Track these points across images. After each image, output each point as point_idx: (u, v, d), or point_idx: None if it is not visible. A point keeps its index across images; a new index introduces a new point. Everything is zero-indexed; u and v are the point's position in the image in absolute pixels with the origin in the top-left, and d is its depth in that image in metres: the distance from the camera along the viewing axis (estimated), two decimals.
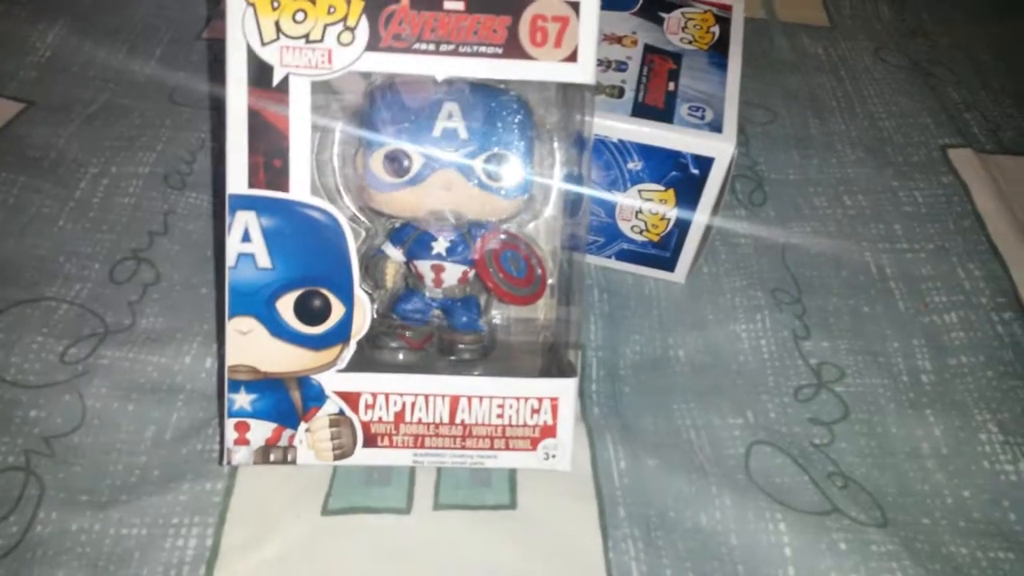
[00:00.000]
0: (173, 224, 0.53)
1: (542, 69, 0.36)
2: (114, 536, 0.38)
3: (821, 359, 0.49)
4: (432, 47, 0.35)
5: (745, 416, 0.46)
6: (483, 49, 0.35)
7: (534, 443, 0.39)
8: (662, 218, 0.50)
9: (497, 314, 0.44)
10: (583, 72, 0.36)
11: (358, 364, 0.38)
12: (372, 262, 0.41)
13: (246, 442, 0.38)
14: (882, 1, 0.79)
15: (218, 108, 0.35)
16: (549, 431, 0.39)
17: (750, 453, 0.44)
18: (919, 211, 0.58)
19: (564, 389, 0.38)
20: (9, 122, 0.57)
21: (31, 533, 0.38)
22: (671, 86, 0.49)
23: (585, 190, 0.40)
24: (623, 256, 0.53)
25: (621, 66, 0.50)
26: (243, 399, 0.37)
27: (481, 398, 0.38)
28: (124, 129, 0.58)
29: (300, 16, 0.35)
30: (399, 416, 0.38)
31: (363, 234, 0.42)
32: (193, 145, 0.57)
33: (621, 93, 0.49)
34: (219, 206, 0.36)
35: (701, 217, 0.49)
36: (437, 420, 0.38)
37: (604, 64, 0.50)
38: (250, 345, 0.37)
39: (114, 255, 0.50)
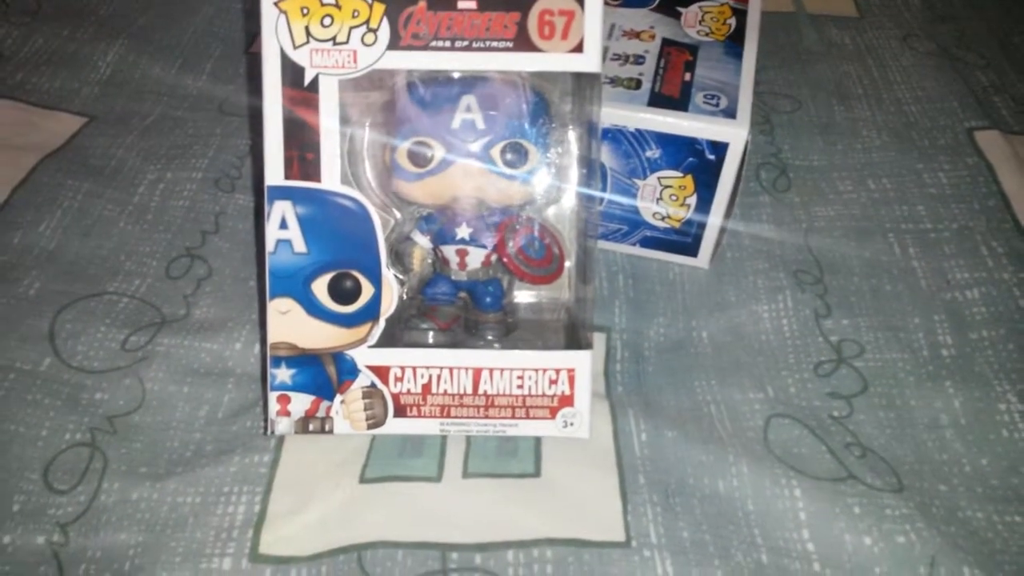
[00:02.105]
0: (223, 224, 0.56)
1: (551, 60, 0.38)
2: (171, 504, 0.42)
3: (842, 336, 0.50)
4: (448, 44, 0.38)
5: (765, 391, 0.47)
6: (495, 44, 0.38)
7: (553, 412, 0.41)
8: (682, 204, 0.52)
9: (520, 294, 0.46)
10: (590, 62, 0.38)
11: (387, 341, 0.40)
12: (401, 248, 0.44)
13: (287, 413, 0.41)
14: None
15: (259, 108, 0.39)
16: (567, 400, 0.41)
17: (769, 425, 0.45)
18: (944, 192, 0.58)
19: (580, 360, 0.40)
20: (74, 135, 0.62)
21: (96, 501, 0.42)
22: (687, 76, 0.51)
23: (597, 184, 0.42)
24: (647, 243, 0.55)
25: (639, 60, 0.53)
26: (284, 374, 0.40)
27: (502, 370, 0.40)
28: (178, 138, 0.62)
29: (327, 21, 0.38)
30: (426, 388, 0.40)
31: (392, 222, 0.45)
32: (241, 151, 0.61)
33: (639, 85, 0.51)
34: (259, 200, 0.39)
35: (720, 202, 0.51)
36: (461, 391, 0.40)
37: (622, 58, 0.53)
38: (289, 323, 0.40)
39: (170, 253, 0.54)
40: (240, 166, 0.60)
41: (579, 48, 0.38)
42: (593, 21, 0.38)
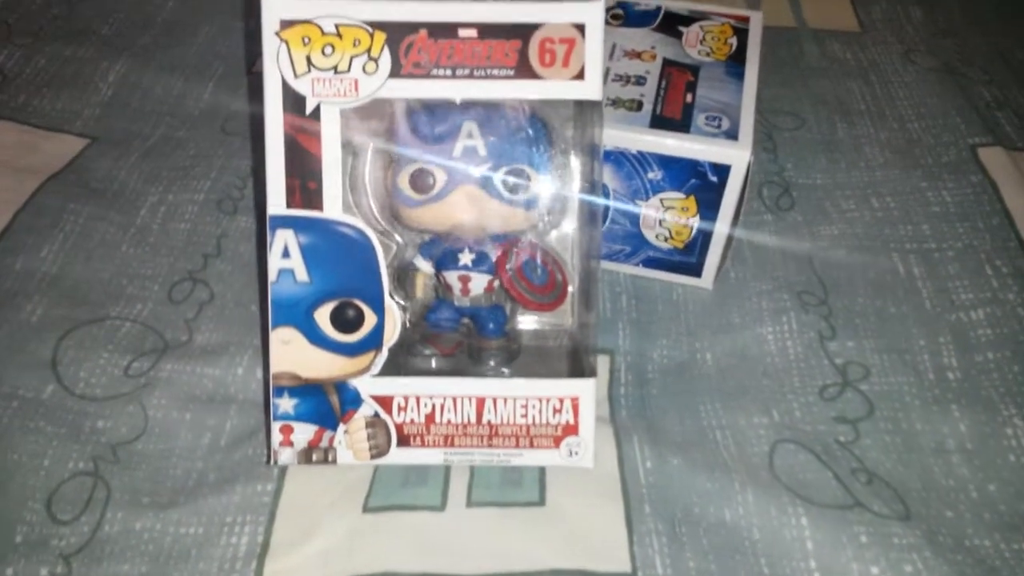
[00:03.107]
0: (225, 247, 0.56)
1: (552, 88, 0.38)
2: (174, 535, 0.42)
3: (847, 359, 0.50)
4: (449, 72, 0.38)
5: (770, 415, 0.47)
6: (496, 72, 0.38)
7: (557, 441, 0.41)
8: (685, 225, 0.52)
9: (523, 320, 0.46)
10: (591, 89, 0.38)
11: (390, 369, 0.40)
12: (403, 274, 0.44)
13: (290, 443, 0.41)
14: (913, 3, 0.79)
15: (260, 133, 0.39)
16: (571, 429, 0.41)
17: (774, 451, 0.45)
18: (947, 211, 0.58)
19: (584, 389, 0.40)
20: (75, 157, 0.61)
21: (100, 532, 0.41)
22: (688, 97, 0.51)
23: (599, 201, 0.42)
24: (650, 264, 0.54)
25: (640, 80, 0.52)
26: (287, 404, 0.40)
27: (505, 399, 0.40)
28: (180, 160, 0.62)
29: (328, 50, 0.38)
30: (429, 417, 0.40)
31: (394, 248, 0.45)
32: (243, 172, 0.61)
33: (640, 106, 0.51)
34: (261, 228, 0.39)
35: (723, 222, 0.51)
36: (465, 420, 0.40)
37: (623, 79, 0.53)
38: (291, 353, 0.40)
39: (172, 276, 0.54)
40: (242, 187, 0.60)
41: (580, 75, 0.38)
42: (594, 49, 0.38)
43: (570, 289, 0.44)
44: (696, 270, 0.54)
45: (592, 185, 0.42)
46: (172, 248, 0.56)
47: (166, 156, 0.62)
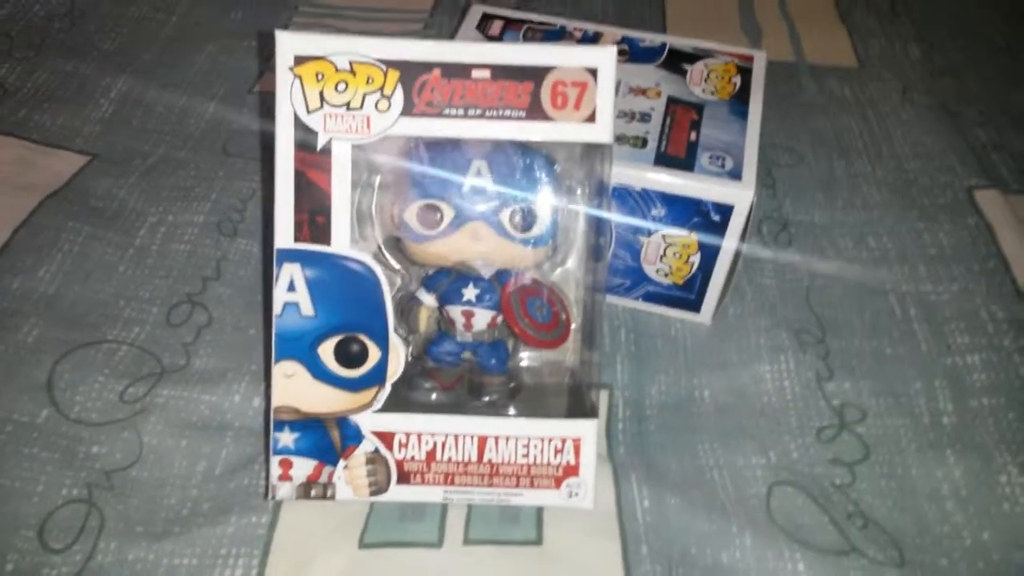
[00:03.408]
0: (225, 269, 0.56)
1: (563, 130, 0.38)
2: (167, 566, 0.41)
3: (844, 400, 0.50)
4: (461, 112, 0.38)
5: (768, 456, 0.47)
6: (508, 113, 0.38)
7: (558, 482, 0.41)
8: (686, 262, 0.52)
9: (525, 357, 0.46)
10: (602, 132, 0.39)
11: (392, 405, 0.40)
12: (407, 307, 0.44)
13: (289, 478, 0.40)
14: (911, 41, 0.80)
15: (267, 160, 0.39)
16: (572, 470, 0.41)
17: (771, 493, 0.45)
18: (943, 252, 0.59)
19: (586, 430, 0.40)
20: (75, 175, 0.61)
21: (92, 562, 0.41)
22: (693, 136, 0.52)
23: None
24: (649, 298, 0.55)
25: (645, 117, 0.53)
26: (287, 438, 0.40)
27: (507, 438, 0.40)
28: (180, 180, 0.62)
29: (342, 87, 0.38)
30: (430, 455, 0.40)
31: (398, 281, 0.45)
32: (245, 194, 0.61)
33: (644, 143, 0.51)
34: (268, 256, 0.39)
35: (723, 260, 0.51)
36: (466, 459, 0.40)
37: (628, 116, 0.53)
38: (294, 387, 0.40)
39: (170, 299, 0.54)
40: (243, 209, 0.60)
41: (591, 118, 0.38)
42: (606, 92, 0.38)
43: (573, 327, 0.44)
44: (695, 306, 0.54)
45: (599, 225, 0.42)
46: (171, 270, 0.55)
47: (167, 176, 0.62)
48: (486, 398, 0.43)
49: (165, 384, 0.49)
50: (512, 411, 0.42)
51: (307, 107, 0.38)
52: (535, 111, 0.38)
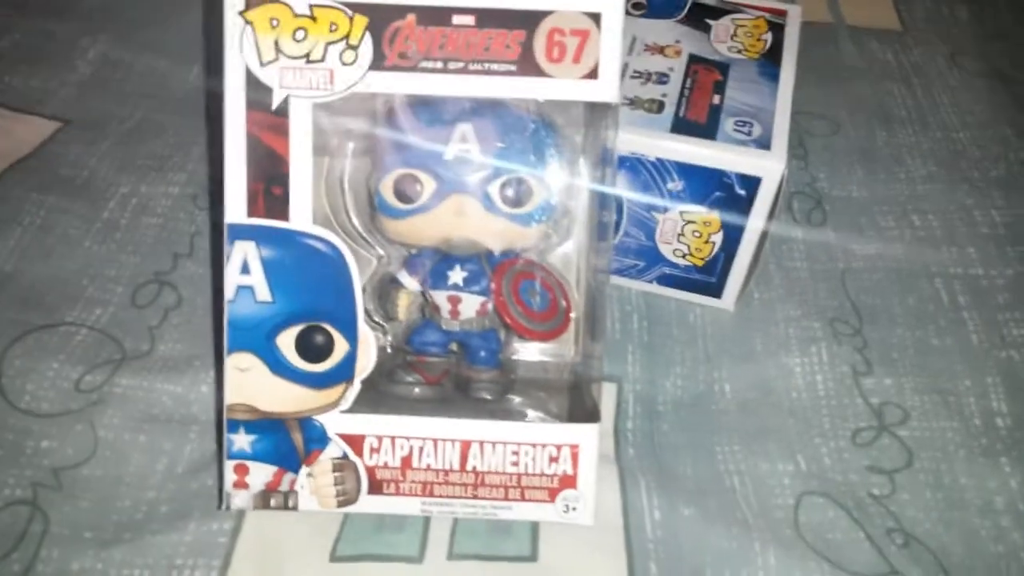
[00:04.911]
0: (199, 246, 0.51)
1: (560, 87, 0.33)
2: None
3: (883, 398, 0.45)
4: (440, 65, 0.33)
5: (796, 462, 0.42)
6: (495, 67, 0.33)
7: (552, 494, 0.36)
8: (706, 241, 0.46)
9: (520, 349, 0.41)
10: (606, 90, 0.33)
11: (363, 404, 0.35)
12: (385, 291, 0.39)
13: (245, 485, 0.36)
14: (959, 2, 0.73)
15: (215, 121, 0.34)
16: (569, 481, 0.35)
17: (800, 505, 0.40)
18: (996, 232, 0.53)
19: (585, 436, 0.35)
20: (45, 142, 0.57)
21: (32, 572, 0.37)
22: (716, 99, 0.46)
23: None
24: (665, 281, 0.49)
25: (662, 78, 0.47)
26: (242, 440, 0.35)
27: (494, 444, 0.35)
28: (157, 147, 0.57)
29: (300, 35, 0.32)
30: (406, 461, 0.35)
31: (375, 262, 0.40)
32: (217, 161, 0.56)
33: (661, 107, 0.45)
34: (217, 237, 0.34)
35: (749, 241, 0.46)
36: (447, 467, 0.35)
37: (644, 76, 0.47)
38: (249, 383, 0.35)
39: (137, 278, 0.49)
40: (222, 180, 0.55)
41: (593, 74, 0.33)
42: (610, 43, 0.32)
43: (573, 316, 0.39)
44: (716, 290, 0.49)
45: (603, 199, 0.37)
46: (140, 246, 0.51)
47: (143, 142, 0.57)
48: (476, 395, 0.38)
49: (125, 372, 0.44)
50: (498, 412, 0.37)
51: (260, 59, 0.33)
52: (527, 65, 0.33)
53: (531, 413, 0.38)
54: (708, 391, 0.45)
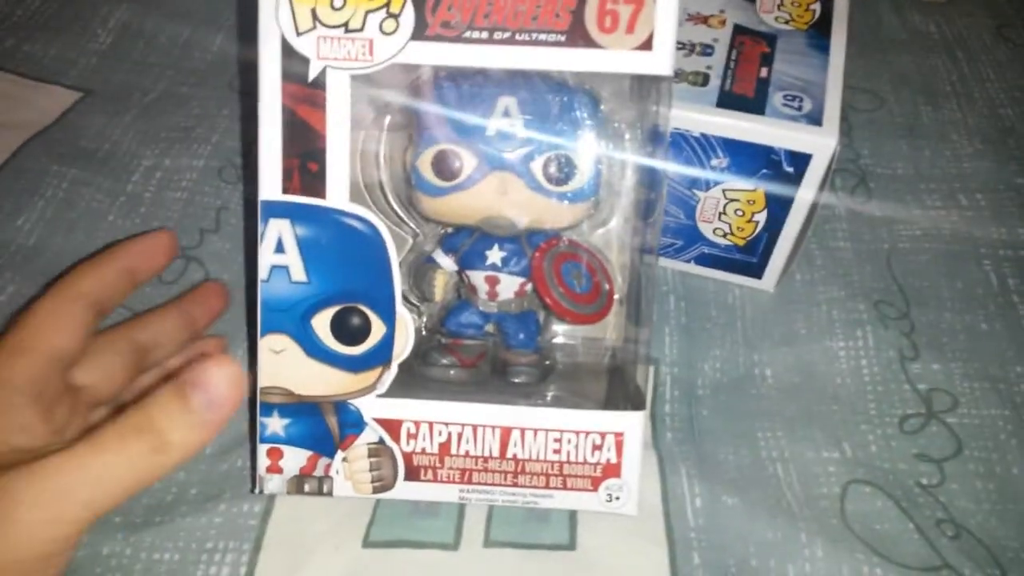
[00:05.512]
0: (226, 221, 0.50)
1: (612, 59, 0.31)
2: (145, 561, 0.36)
3: (931, 384, 0.43)
4: (485, 35, 0.31)
5: (841, 449, 0.41)
6: (543, 37, 0.31)
7: (595, 483, 0.34)
8: (749, 220, 0.45)
9: (559, 332, 0.39)
10: (660, 62, 0.31)
11: (400, 388, 0.34)
12: (420, 271, 0.37)
13: (279, 470, 0.35)
14: None
15: (250, 94, 0.32)
16: (612, 470, 0.34)
17: (846, 494, 0.39)
18: None
19: (630, 424, 0.34)
20: (66, 112, 0.55)
21: None
22: (763, 72, 0.44)
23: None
24: (704, 261, 0.48)
25: (707, 50, 0.45)
26: (276, 424, 0.34)
27: (535, 431, 0.34)
28: (181, 119, 0.56)
29: (339, 3, 0.31)
30: (444, 448, 0.34)
31: (410, 240, 0.38)
32: (251, 136, 0.54)
33: (706, 80, 0.43)
34: (253, 210, 0.33)
35: (795, 220, 0.44)
36: (486, 454, 0.34)
37: (687, 48, 0.45)
38: (284, 365, 0.33)
39: None
40: (248, 153, 0.54)
41: (647, 45, 0.31)
42: (667, 12, 0.31)
43: (616, 298, 0.38)
44: (757, 271, 0.47)
45: (652, 177, 0.35)
46: (165, 220, 0.50)
47: (166, 114, 0.56)
48: (513, 379, 0.37)
49: None
50: (539, 397, 0.36)
51: (296, 28, 0.31)
52: (577, 34, 0.31)
53: (569, 398, 0.37)
54: (748, 375, 0.44)
